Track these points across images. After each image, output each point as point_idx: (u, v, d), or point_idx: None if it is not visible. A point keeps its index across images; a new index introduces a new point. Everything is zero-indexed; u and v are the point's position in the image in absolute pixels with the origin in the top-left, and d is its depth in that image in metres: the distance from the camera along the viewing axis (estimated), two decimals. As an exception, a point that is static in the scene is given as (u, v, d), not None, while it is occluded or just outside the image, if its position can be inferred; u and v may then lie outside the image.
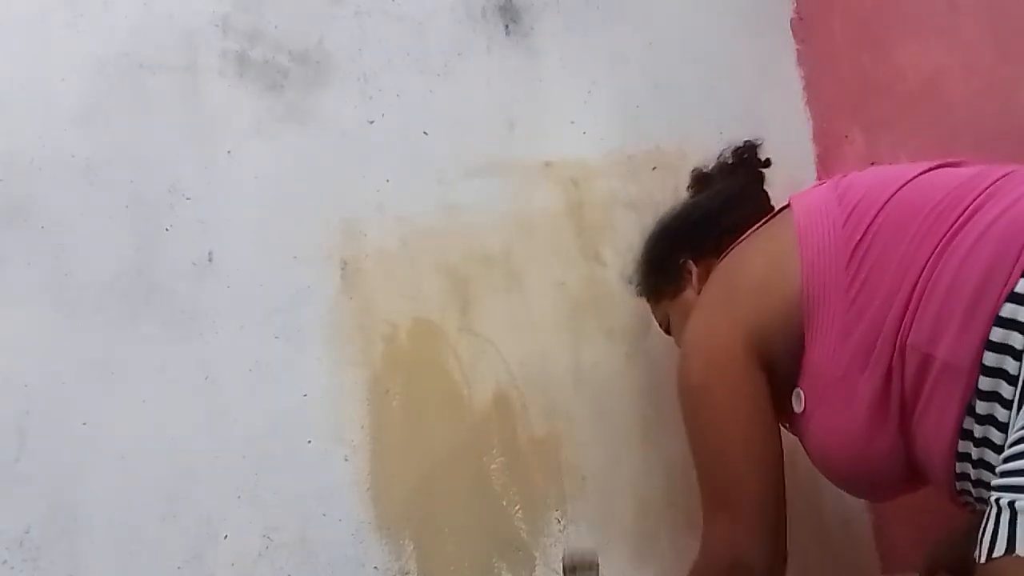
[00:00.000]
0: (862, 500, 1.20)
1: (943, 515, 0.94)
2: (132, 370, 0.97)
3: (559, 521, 1.12)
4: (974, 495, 0.76)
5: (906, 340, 0.74)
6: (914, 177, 0.81)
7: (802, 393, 0.84)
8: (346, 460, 1.04)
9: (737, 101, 1.33)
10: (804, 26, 1.41)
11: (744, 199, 1.04)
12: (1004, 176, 0.76)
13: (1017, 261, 0.69)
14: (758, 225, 0.94)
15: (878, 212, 0.79)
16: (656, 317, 1.11)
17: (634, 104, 1.27)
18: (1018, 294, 0.68)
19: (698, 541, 0.91)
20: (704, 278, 0.98)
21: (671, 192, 1.23)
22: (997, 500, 0.66)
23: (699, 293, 0.98)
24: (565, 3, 1.27)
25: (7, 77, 0.97)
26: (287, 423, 1.03)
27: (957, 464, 0.74)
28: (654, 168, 1.25)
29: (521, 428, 1.12)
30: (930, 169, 0.82)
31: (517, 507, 1.10)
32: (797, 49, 1.41)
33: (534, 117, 1.22)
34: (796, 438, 0.91)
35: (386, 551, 1.03)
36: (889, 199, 0.79)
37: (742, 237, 0.95)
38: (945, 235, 0.73)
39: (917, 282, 0.73)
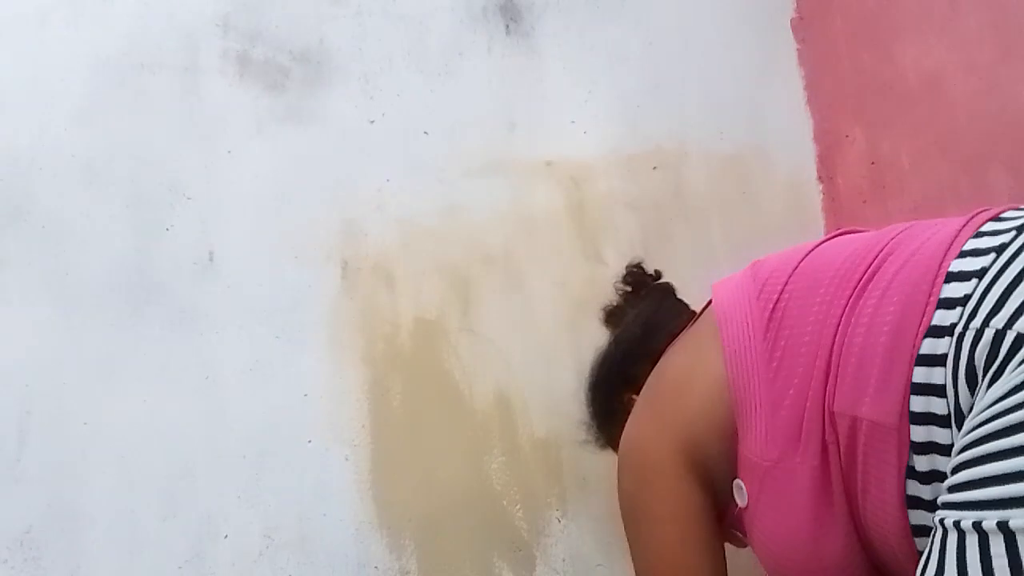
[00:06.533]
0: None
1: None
2: (132, 370, 0.97)
3: (559, 521, 1.12)
4: None
5: (832, 407, 0.67)
6: (815, 247, 0.78)
7: (743, 485, 0.76)
8: (346, 460, 1.04)
9: (737, 101, 1.33)
10: (804, 26, 1.41)
11: (661, 315, 0.98)
12: (903, 231, 0.73)
13: (922, 319, 0.63)
14: (684, 328, 0.91)
15: (787, 281, 0.76)
16: None
17: (634, 104, 1.27)
18: (925, 355, 0.62)
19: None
20: None
21: (671, 192, 1.23)
22: (957, 523, 0.55)
23: None
24: (566, 3, 1.27)
25: (7, 76, 0.97)
26: (287, 423, 1.03)
27: (917, 541, 0.64)
28: (654, 168, 1.25)
29: (522, 428, 1.12)
30: (829, 238, 0.80)
31: (517, 507, 1.10)
32: (797, 49, 1.41)
33: (535, 117, 1.21)
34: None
35: (386, 551, 1.03)
36: (795, 268, 0.77)
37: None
38: (851, 295, 0.69)
39: (832, 346, 0.68)
